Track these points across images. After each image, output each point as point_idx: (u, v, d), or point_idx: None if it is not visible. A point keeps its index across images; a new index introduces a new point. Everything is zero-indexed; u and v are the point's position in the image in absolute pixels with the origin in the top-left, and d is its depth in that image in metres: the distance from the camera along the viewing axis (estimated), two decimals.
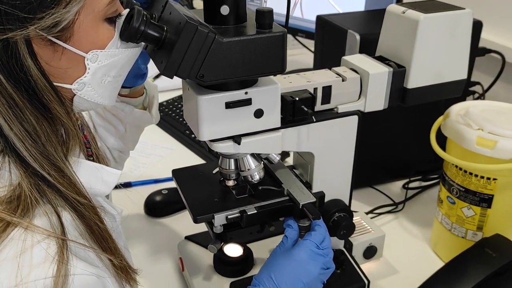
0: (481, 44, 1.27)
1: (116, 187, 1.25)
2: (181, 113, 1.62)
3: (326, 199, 0.89)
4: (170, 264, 1.05)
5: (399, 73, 0.84)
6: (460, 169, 0.95)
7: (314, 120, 0.80)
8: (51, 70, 0.59)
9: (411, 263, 1.06)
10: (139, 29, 0.62)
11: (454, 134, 0.94)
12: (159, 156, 1.45)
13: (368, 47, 0.94)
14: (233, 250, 0.94)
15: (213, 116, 0.71)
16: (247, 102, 0.72)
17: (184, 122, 1.55)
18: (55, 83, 0.59)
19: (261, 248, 0.97)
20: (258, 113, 0.74)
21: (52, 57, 0.58)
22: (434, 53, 0.83)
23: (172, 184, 1.23)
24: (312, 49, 1.39)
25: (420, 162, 1.29)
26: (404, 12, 0.83)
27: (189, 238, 1.03)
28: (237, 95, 0.71)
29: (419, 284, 0.89)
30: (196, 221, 0.78)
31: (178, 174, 0.90)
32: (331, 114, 0.83)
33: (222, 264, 0.93)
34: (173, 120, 1.59)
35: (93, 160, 0.75)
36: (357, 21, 1.20)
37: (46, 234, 0.55)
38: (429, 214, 1.15)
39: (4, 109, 0.55)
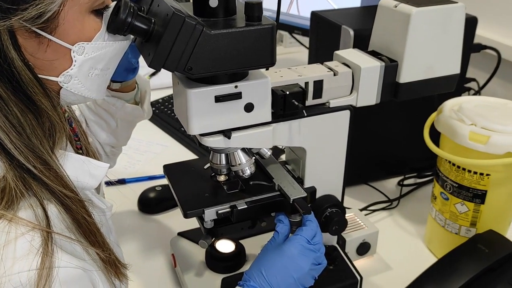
0: (476, 40, 1.27)
1: (111, 183, 1.28)
2: None
3: (319, 194, 0.88)
4: (162, 260, 1.05)
5: (391, 67, 0.83)
6: (454, 164, 0.94)
7: (305, 114, 0.79)
8: (36, 62, 0.58)
9: (405, 260, 1.05)
10: (126, 21, 0.61)
11: (447, 130, 0.94)
12: (154, 153, 1.45)
13: (362, 42, 0.94)
14: (225, 246, 0.94)
15: (202, 110, 0.70)
16: (237, 96, 0.71)
17: None
18: (40, 76, 0.59)
19: (254, 244, 0.97)
20: (248, 107, 0.73)
21: (38, 49, 0.58)
22: (426, 48, 0.83)
23: (166, 181, 1.23)
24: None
25: (416, 159, 1.29)
26: (396, 6, 0.82)
27: (181, 234, 1.03)
28: (227, 88, 0.70)
29: (414, 279, 0.88)
30: (186, 216, 0.77)
31: (169, 169, 0.90)
32: (323, 109, 0.82)
33: (214, 260, 0.93)
34: (169, 117, 1.59)
35: (82, 154, 0.74)
36: (351, 17, 1.19)
37: (31, 226, 0.54)
38: (424, 211, 1.15)
39: None
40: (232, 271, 0.92)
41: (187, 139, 1.47)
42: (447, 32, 0.83)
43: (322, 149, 0.85)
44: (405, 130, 1.25)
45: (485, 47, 1.30)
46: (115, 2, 0.63)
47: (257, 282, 0.74)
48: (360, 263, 1.02)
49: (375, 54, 0.87)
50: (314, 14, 1.24)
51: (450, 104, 0.99)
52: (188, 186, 0.85)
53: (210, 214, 0.78)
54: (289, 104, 0.76)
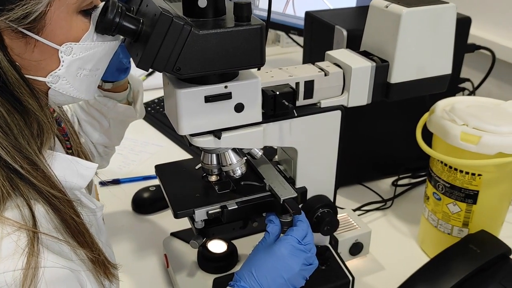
0: (471, 40, 1.27)
1: (105, 183, 1.28)
2: None
3: (310, 195, 0.88)
4: (155, 260, 1.05)
5: (382, 67, 0.83)
6: (446, 165, 0.94)
7: (296, 114, 0.79)
8: (23, 62, 0.58)
9: (398, 260, 1.05)
10: (114, 21, 0.61)
11: (439, 130, 0.94)
12: (149, 153, 1.45)
13: (356, 42, 0.94)
14: (217, 246, 0.94)
15: (192, 110, 0.70)
16: (227, 96, 0.71)
17: None
18: (28, 76, 0.59)
19: (246, 244, 0.97)
20: (239, 107, 0.73)
21: (25, 49, 0.58)
22: (418, 48, 0.83)
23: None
24: None
25: (410, 159, 1.29)
26: (387, 7, 0.82)
27: (174, 234, 1.03)
28: (217, 89, 0.70)
29: (404, 280, 0.88)
30: (176, 216, 0.77)
31: (161, 169, 0.90)
32: (314, 109, 0.82)
33: (206, 261, 0.93)
34: (164, 117, 1.59)
35: (72, 154, 0.74)
36: (345, 17, 1.19)
37: (17, 226, 0.54)
38: (418, 211, 1.15)
39: None
40: (224, 271, 0.92)
41: (182, 140, 1.47)
42: (438, 32, 0.83)
43: (313, 149, 0.85)
44: (400, 130, 1.25)
45: (479, 47, 1.30)
46: (103, 2, 0.63)
47: (247, 282, 0.74)
48: (353, 263, 1.02)
49: (366, 54, 0.87)
50: (308, 14, 1.24)
51: (442, 105, 0.99)
52: (179, 186, 0.85)
53: (200, 214, 0.78)
54: (279, 104, 0.76)
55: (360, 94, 0.84)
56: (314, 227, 0.86)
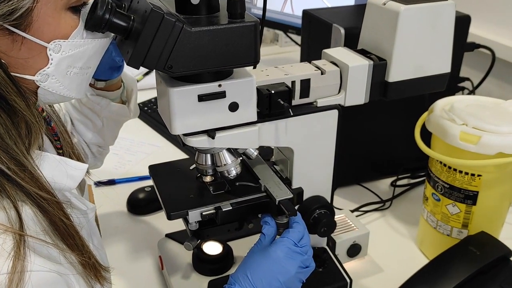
0: (471, 39, 1.25)
1: (100, 184, 1.26)
2: None
3: (307, 195, 0.87)
4: (150, 262, 1.03)
5: (379, 66, 0.82)
6: (445, 165, 0.93)
7: (291, 113, 0.78)
8: (10, 60, 0.57)
9: (396, 262, 1.04)
10: (103, 18, 0.60)
11: (438, 130, 0.92)
12: (145, 153, 1.43)
13: (353, 41, 0.92)
14: (212, 248, 0.93)
15: (185, 109, 0.69)
16: (221, 95, 0.70)
17: None
18: (15, 74, 0.57)
19: (242, 246, 0.95)
20: (233, 107, 0.72)
21: (11, 47, 0.56)
22: (416, 46, 0.81)
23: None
24: None
25: (409, 159, 1.27)
26: (385, 4, 0.81)
27: (169, 236, 1.01)
28: (210, 87, 0.69)
29: (403, 283, 0.87)
30: (169, 217, 0.76)
31: (154, 170, 0.88)
32: (310, 108, 0.81)
33: (201, 262, 0.91)
34: (160, 117, 1.57)
35: (62, 154, 0.72)
36: (343, 15, 1.18)
37: (3, 229, 0.53)
38: (417, 212, 1.13)
39: None
40: (219, 274, 0.90)
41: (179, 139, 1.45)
42: (437, 30, 0.82)
43: (310, 149, 0.83)
44: (398, 129, 1.24)
45: (479, 46, 1.29)
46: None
47: (242, 285, 0.73)
48: (351, 265, 1.01)
49: (364, 52, 0.85)
50: (305, 13, 1.23)
51: (441, 104, 0.97)
52: (173, 187, 0.83)
53: (194, 215, 0.76)
54: (274, 104, 0.75)
55: (357, 93, 0.83)
56: (311, 228, 0.84)
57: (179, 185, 0.83)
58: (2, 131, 0.55)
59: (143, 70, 1.89)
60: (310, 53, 1.26)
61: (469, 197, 0.92)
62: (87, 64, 0.64)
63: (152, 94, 1.72)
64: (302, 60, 1.32)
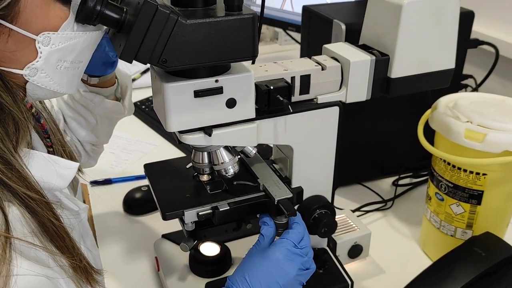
0: (474, 36, 1.23)
1: (96, 184, 1.24)
2: None
3: (307, 195, 0.84)
4: (146, 263, 1.01)
5: (382, 61, 0.79)
6: (449, 164, 0.90)
7: (291, 110, 0.75)
8: None
9: (398, 263, 1.01)
10: (95, 10, 0.57)
11: (441, 127, 0.89)
12: (142, 152, 1.41)
13: (355, 37, 0.90)
14: (209, 249, 0.90)
15: (181, 105, 0.67)
16: (218, 90, 0.67)
17: None
18: (2, 68, 0.55)
19: (240, 247, 0.93)
20: (230, 103, 0.69)
21: None
22: (419, 41, 0.79)
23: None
24: None
25: (411, 158, 1.25)
26: None
27: (166, 236, 0.99)
28: (207, 83, 0.67)
29: (406, 285, 0.84)
30: (164, 217, 0.73)
31: (150, 168, 0.86)
32: (310, 105, 0.78)
33: (198, 264, 0.89)
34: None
35: (53, 152, 0.70)
36: (344, 11, 1.15)
37: None
38: (419, 212, 1.11)
39: None
40: (216, 275, 0.88)
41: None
42: (441, 24, 0.79)
43: (310, 147, 0.81)
44: (400, 128, 1.22)
45: (483, 42, 1.26)
46: None
47: None
48: (352, 267, 0.98)
49: (366, 48, 0.83)
50: (305, 9, 1.21)
51: (445, 101, 0.95)
52: (169, 186, 0.81)
53: (190, 216, 0.74)
54: (273, 100, 0.72)
55: (359, 90, 0.80)
56: (311, 229, 0.82)
57: (175, 184, 0.81)
58: None
59: (140, 68, 1.86)
60: (310, 50, 1.23)
61: (474, 197, 0.90)
62: (78, 58, 0.61)
63: (150, 92, 1.68)
64: (301, 57, 1.30)
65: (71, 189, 0.78)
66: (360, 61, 0.78)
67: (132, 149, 1.43)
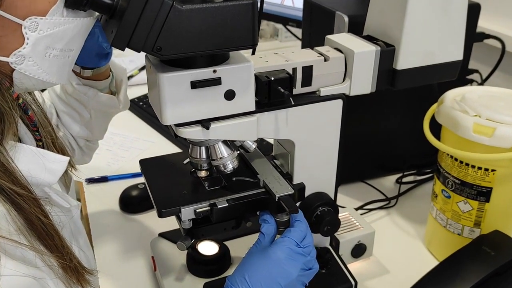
0: (479, 31, 1.19)
1: (91, 181, 1.20)
2: None
3: (309, 192, 0.81)
4: (142, 263, 0.97)
5: (387, 52, 0.76)
6: (456, 159, 0.87)
7: (293, 103, 0.72)
8: None
9: (403, 263, 0.98)
10: None
11: (449, 122, 0.86)
12: (140, 150, 1.38)
13: (358, 29, 0.86)
14: (208, 248, 0.87)
15: (177, 97, 0.63)
16: (216, 81, 0.64)
17: None
18: None
19: (240, 246, 0.90)
20: (229, 95, 0.66)
21: None
22: (426, 31, 0.75)
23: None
24: None
25: (415, 156, 1.22)
26: None
27: (162, 235, 0.95)
28: (204, 73, 0.63)
29: (411, 285, 0.81)
30: (160, 215, 0.70)
31: (145, 164, 0.82)
32: (313, 98, 0.75)
33: (196, 264, 0.86)
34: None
35: (42, 146, 0.66)
36: (346, 2, 1.12)
37: None
38: (424, 210, 1.08)
39: None
40: (215, 276, 0.85)
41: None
42: (449, 14, 0.76)
43: (312, 142, 0.77)
44: (404, 124, 1.19)
45: (489, 36, 1.23)
46: None
47: None
48: (355, 266, 0.95)
49: (370, 39, 0.80)
50: (307, 1, 1.17)
51: (452, 95, 0.92)
52: (165, 182, 0.77)
53: (187, 213, 0.71)
54: (274, 92, 0.69)
55: (363, 82, 0.77)
56: (313, 227, 0.78)
57: (172, 180, 0.78)
58: None
59: (138, 65, 1.83)
60: (311, 45, 1.18)
61: (482, 194, 0.86)
62: (68, 46, 0.58)
63: (147, 89, 1.67)
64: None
65: (64, 186, 0.75)
66: (364, 52, 0.75)
67: (129, 146, 1.40)
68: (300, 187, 0.78)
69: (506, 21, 1.39)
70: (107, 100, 0.85)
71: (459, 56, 0.80)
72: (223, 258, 0.86)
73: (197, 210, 0.71)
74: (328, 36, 0.81)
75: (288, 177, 0.79)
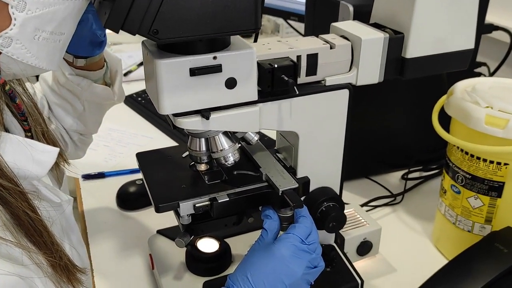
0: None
1: (88, 177, 1.17)
2: None
3: (314, 187, 0.78)
4: (140, 261, 0.94)
5: (396, 40, 0.72)
6: (466, 153, 0.84)
7: (297, 92, 0.68)
8: None
9: (410, 261, 0.95)
10: None
11: (459, 113, 0.83)
12: (138, 145, 1.34)
13: (364, 19, 0.83)
14: (208, 245, 0.83)
15: (175, 85, 0.60)
16: (217, 68, 0.61)
17: None
18: None
19: (241, 243, 0.86)
20: (230, 83, 0.63)
21: None
22: (436, 17, 0.72)
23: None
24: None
25: (421, 151, 1.19)
26: None
27: (161, 232, 0.92)
28: (204, 60, 0.60)
29: (419, 283, 0.78)
30: (158, 210, 0.67)
31: (143, 157, 0.79)
32: (318, 87, 0.72)
33: (195, 261, 0.82)
34: (154, 107, 1.48)
35: (31, 136, 0.63)
36: None
37: None
38: (431, 207, 1.04)
39: None
40: (215, 274, 0.81)
41: (174, 130, 1.37)
42: (460, 0, 0.72)
43: (317, 134, 0.74)
44: (409, 118, 1.16)
45: (498, 27, 1.19)
46: None
47: (241, 287, 0.63)
48: (361, 265, 0.92)
49: (378, 26, 0.76)
50: None
51: (462, 86, 0.88)
52: (163, 176, 0.74)
53: (186, 208, 0.67)
54: (278, 80, 0.65)
55: (370, 71, 0.74)
56: (318, 223, 0.75)
57: (170, 174, 0.74)
58: None
59: (137, 60, 1.80)
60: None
61: (494, 189, 0.83)
62: (59, 29, 0.54)
63: None
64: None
65: (55, 180, 0.71)
66: (372, 39, 0.71)
67: (127, 142, 1.36)
68: (305, 181, 0.74)
69: None
70: (101, 91, 0.81)
71: (471, 45, 0.77)
72: (223, 256, 0.83)
73: (197, 205, 0.67)
74: (334, 24, 0.77)
75: (292, 171, 0.76)
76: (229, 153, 0.69)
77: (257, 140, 0.72)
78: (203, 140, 0.70)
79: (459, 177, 0.86)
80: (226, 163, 0.70)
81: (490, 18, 1.15)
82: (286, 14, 1.74)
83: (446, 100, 0.88)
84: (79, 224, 0.85)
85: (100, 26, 0.72)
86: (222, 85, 0.62)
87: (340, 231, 0.88)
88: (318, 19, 1.15)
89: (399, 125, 1.16)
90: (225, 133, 0.69)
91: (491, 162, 0.81)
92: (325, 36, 0.74)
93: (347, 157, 0.78)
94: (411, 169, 1.19)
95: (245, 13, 0.56)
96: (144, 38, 0.55)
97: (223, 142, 0.69)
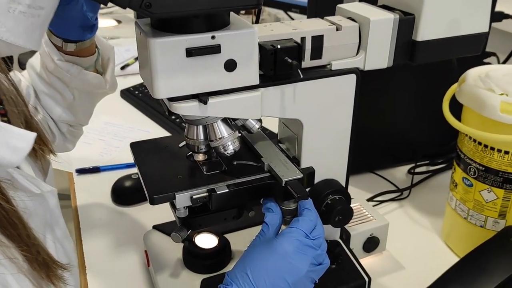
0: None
1: (82, 172, 1.13)
2: None
3: (318, 179, 0.73)
4: (135, 258, 0.90)
5: (406, 21, 0.68)
6: (479, 143, 0.79)
7: (301, 76, 0.64)
8: None
9: (419, 258, 0.90)
10: None
11: (472, 101, 0.78)
12: (134, 140, 1.28)
13: (371, 2, 0.79)
14: (206, 240, 0.79)
15: (170, 66, 0.56)
16: (215, 49, 0.56)
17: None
18: None
19: (241, 239, 0.82)
20: (230, 65, 0.58)
21: None
22: None
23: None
24: None
25: (428, 145, 1.15)
26: None
27: (157, 227, 0.88)
28: (202, 39, 0.56)
29: (429, 282, 0.73)
30: (152, 201, 0.62)
31: (137, 147, 0.75)
32: (323, 72, 0.67)
33: (193, 258, 0.78)
34: (152, 100, 1.44)
35: (7, 121, 0.58)
36: None
37: None
38: (439, 202, 1.00)
39: None
40: (214, 271, 0.77)
41: (171, 124, 1.33)
42: None
43: (322, 122, 0.70)
44: (416, 111, 1.11)
45: (508, 16, 1.15)
46: None
47: (241, 285, 0.60)
48: (367, 262, 0.88)
49: (386, 8, 0.72)
50: None
51: (475, 72, 0.84)
52: (158, 166, 0.70)
53: (182, 199, 0.63)
54: (280, 62, 0.61)
55: (379, 55, 0.69)
56: (323, 217, 0.70)
57: (166, 164, 0.70)
58: None
59: (135, 53, 1.76)
60: None
61: (509, 181, 0.79)
62: (37, 3, 0.49)
63: None
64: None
65: (39, 171, 0.66)
66: (381, 20, 0.67)
67: (123, 135, 1.32)
68: (310, 172, 0.70)
69: None
70: (92, 78, 0.77)
71: (485, 28, 0.73)
72: (223, 252, 0.78)
73: (194, 197, 0.63)
74: (340, 5, 0.73)
75: (295, 162, 0.71)
76: (228, 142, 0.65)
77: (258, 128, 0.68)
78: (200, 127, 0.66)
79: (471, 169, 0.82)
80: (225, 152, 0.65)
81: (499, 7, 1.11)
82: (287, 6, 1.70)
83: (458, 88, 0.83)
84: (67, 217, 0.81)
85: (91, 8, 0.68)
86: (221, 67, 0.58)
87: (346, 226, 0.84)
88: (321, 8, 1.10)
89: (405, 118, 1.12)
90: (224, 120, 0.65)
91: (506, 152, 0.76)
92: (330, 18, 0.70)
93: (353, 147, 0.74)
94: (418, 164, 1.14)
95: None
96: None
97: (222, 130, 0.64)
